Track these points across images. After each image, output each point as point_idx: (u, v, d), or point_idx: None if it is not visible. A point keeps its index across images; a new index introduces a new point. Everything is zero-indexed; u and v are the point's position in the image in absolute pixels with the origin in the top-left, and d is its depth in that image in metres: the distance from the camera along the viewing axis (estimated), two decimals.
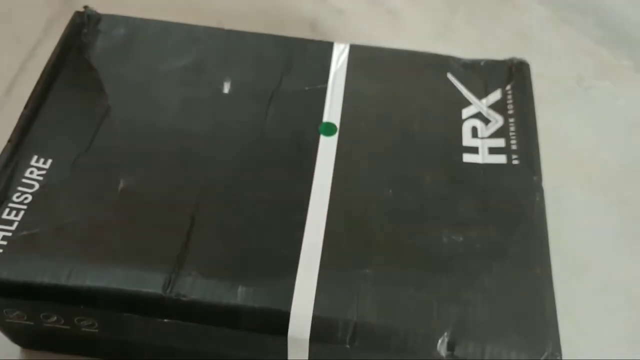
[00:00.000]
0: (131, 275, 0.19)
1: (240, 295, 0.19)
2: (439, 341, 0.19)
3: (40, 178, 0.21)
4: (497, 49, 0.33)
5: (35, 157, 0.22)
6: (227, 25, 0.26)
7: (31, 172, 0.21)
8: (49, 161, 0.22)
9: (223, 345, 0.20)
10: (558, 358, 0.18)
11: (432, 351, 0.19)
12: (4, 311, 0.20)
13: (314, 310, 0.19)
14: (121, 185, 0.21)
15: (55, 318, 0.20)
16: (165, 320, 0.19)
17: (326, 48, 0.26)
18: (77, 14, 0.26)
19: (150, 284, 0.19)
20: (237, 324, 0.19)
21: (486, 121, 0.24)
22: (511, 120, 0.24)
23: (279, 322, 0.19)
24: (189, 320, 0.19)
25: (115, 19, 0.26)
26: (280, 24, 0.33)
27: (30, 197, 0.21)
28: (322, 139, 0.23)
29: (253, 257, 0.20)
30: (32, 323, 0.20)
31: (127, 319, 0.19)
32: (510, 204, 0.21)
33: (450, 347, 0.19)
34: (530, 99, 0.24)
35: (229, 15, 0.33)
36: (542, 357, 0.18)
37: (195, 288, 0.19)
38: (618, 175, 0.29)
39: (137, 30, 0.25)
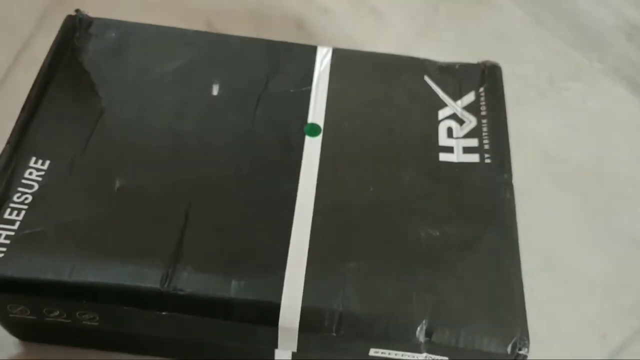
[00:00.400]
0: (130, 271, 0.20)
1: (233, 289, 0.20)
2: (418, 328, 0.20)
3: (39, 179, 0.22)
4: (473, 49, 0.34)
5: (34, 158, 0.22)
6: (215, 24, 0.27)
7: (30, 173, 0.22)
8: (47, 162, 0.22)
9: (217, 335, 0.21)
10: (526, 342, 0.20)
11: (411, 338, 0.20)
12: (8, 306, 0.21)
13: (302, 302, 0.20)
14: (117, 184, 0.22)
15: (57, 312, 0.21)
16: (163, 313, 0.20)
17: (310, 51, 0.26)
18: (69, 17, 0.26)
19: (149, 279, 0.20)
20: (231, 316, 0.20)
21: (461, 122, 0.25)
22: (484, 121, 0.25)
23: (270, 313, 0.20)
24: (186, 312, 0.20)
25: (106, 23, 0.26)
26: (268, 23, 0.34)
27: (30, 197, 0.21)
28: (307, 139, 0.24)
29: (245, 252, 0.21)
30: (34, 317, 0.21)
31: (127, 312, 0.20)
32: (483, 201, 0.23)
33: (428, 333, 0.20)
34: (502, 101, 0.25)
35: (218, 14, 0.34)
36: (511, 342, 0.20)
37: (191, 282, 0.20)
38: (586, 173, 0.30)
39: (129, 33, 0.26)
